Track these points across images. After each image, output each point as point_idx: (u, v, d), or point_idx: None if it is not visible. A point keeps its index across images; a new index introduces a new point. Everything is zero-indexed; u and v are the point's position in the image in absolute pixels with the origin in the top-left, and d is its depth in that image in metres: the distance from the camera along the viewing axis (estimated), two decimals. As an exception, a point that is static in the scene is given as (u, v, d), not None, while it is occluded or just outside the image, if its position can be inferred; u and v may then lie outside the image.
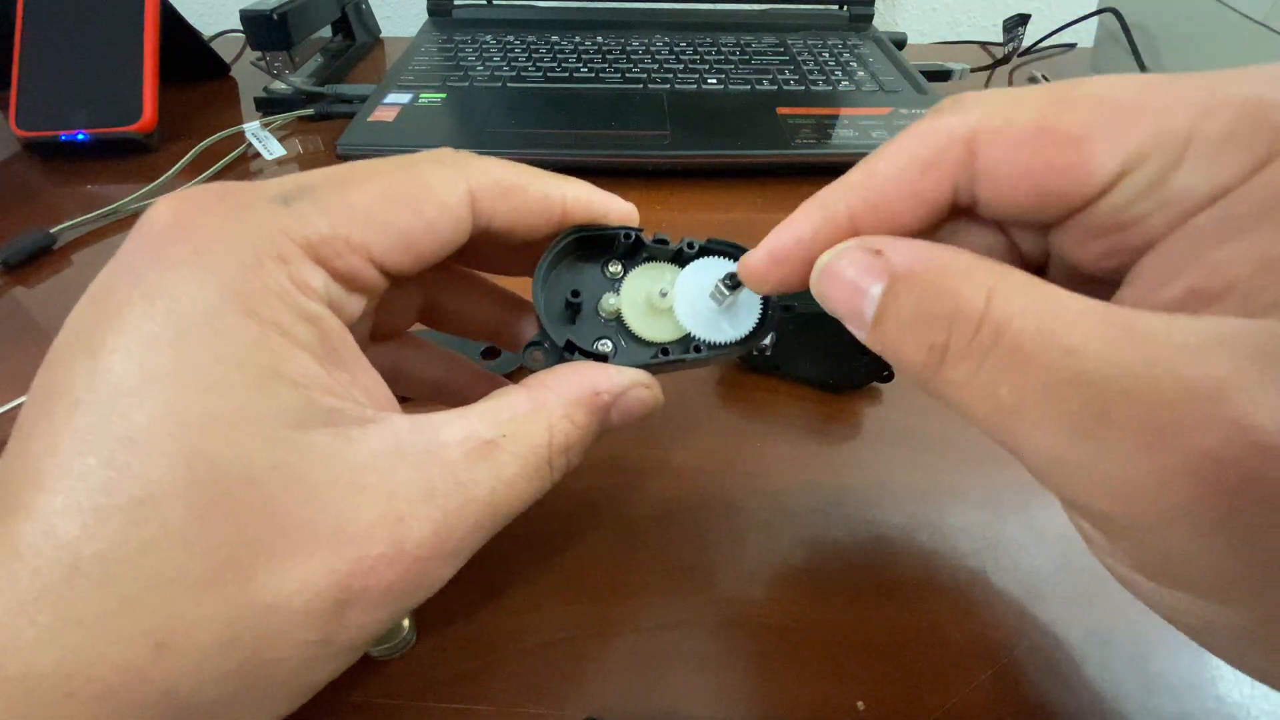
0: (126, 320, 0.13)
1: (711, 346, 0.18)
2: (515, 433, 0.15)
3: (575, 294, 0.18)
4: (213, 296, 0.13)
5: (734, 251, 0.19)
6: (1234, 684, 0.19)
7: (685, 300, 0.18)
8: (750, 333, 0.18)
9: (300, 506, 0.13)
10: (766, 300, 0.18)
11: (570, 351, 0.17)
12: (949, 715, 0.19)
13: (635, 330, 0.18)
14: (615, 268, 0.19)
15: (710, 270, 0.18)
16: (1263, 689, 0.19)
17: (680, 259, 0.19)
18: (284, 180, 0.15)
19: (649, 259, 0.19)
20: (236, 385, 0.13)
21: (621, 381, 0.17)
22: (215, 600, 0.12)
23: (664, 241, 0.19)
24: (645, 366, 0.18)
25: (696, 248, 0.19)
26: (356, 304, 0.16)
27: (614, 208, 0.18)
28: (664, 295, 0.18)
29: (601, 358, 0.18)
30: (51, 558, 0.12)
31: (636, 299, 0.18)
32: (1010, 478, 0.25)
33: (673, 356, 0.18)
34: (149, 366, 0.13)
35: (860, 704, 0.19)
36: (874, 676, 0.19)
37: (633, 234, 0.18)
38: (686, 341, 0.18)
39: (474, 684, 0.19)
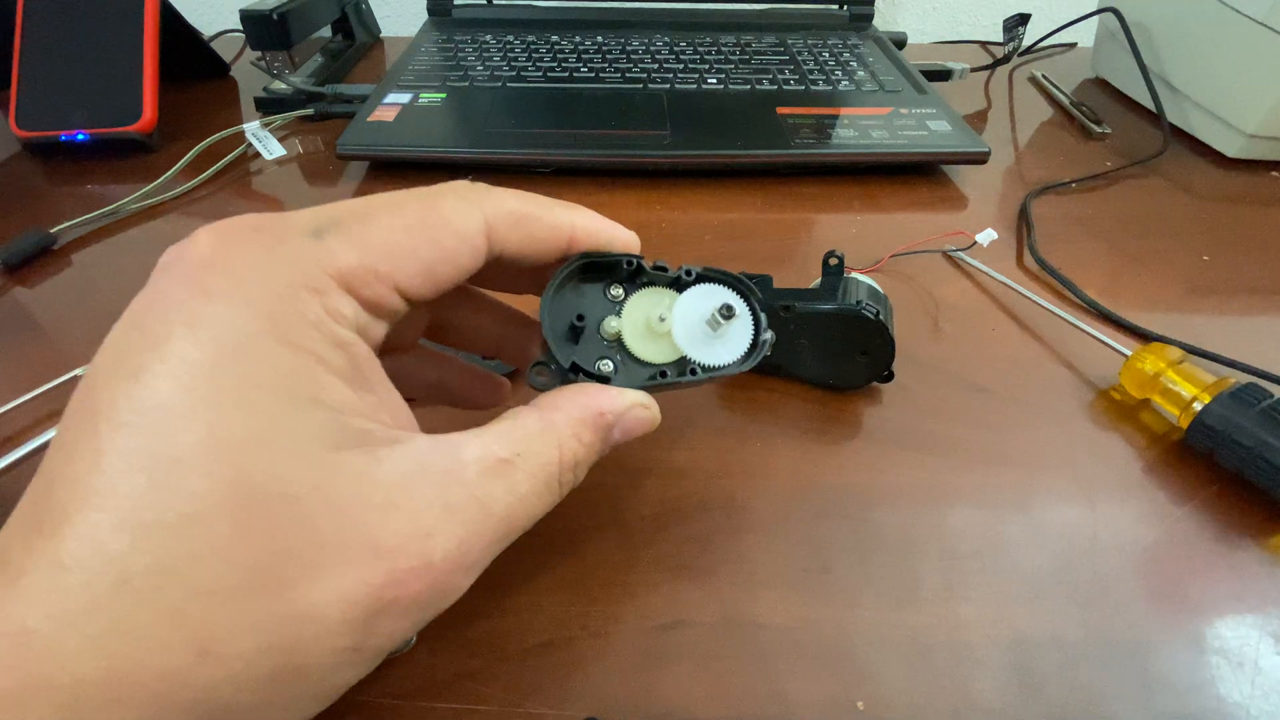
0: (170, 347, 0.14)
1: (706, 369, 0.19)
2: (528, 451, 0.16)
3: (580, 318, 0.19)
4: (252, 325, 0.14)
5: (729, 280, 0.20)
6: (1234, 684, 0.19)
7: (682, 325, 0.19)
8: (742, 356, 0.19)
9: (336, 523, 0.14)
10: (757, 327, 0.19)
11: (574, 372, 0.18)
12: (949, 715, 0.19)
13: (635, 352, 0.19)
14: (617, 290, 0.19)
15: (706, 297, 0.19)
16: (1262, 689, 0.19)
17: (678, 285, 0.20)
18: (315, 213, 0.16)
19: (649, 284, 0.20)
20: (276, 410, 0.14)
21: (624, 402, 0.18)
22: (256, 610, 0.13)
23: (663, 268, 0.20)
24: (644, 387, 0.19)
25: (694, 275, 0.20)
26: (380, 328, 0.16)
27: (618, 235, 0.19)
28: (662, 320, 0.19)
29: (603, 377, 0.19)
30: (100, 571, 0.12)
31: (636, 323, 0.19)
32: (1010, 478, 0.25)
33: (670, 379, 0.19)
34: (193, 392, 0.13)
35: (860, 704, 0.19)
36: (874, 676, 0.19)
37: (635, 261, 0.19)
38: (683, 364, 0.19)
39: (474, 684, 0.19)
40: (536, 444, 0.16)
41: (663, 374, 0.19)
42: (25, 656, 0.12)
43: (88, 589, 0.12)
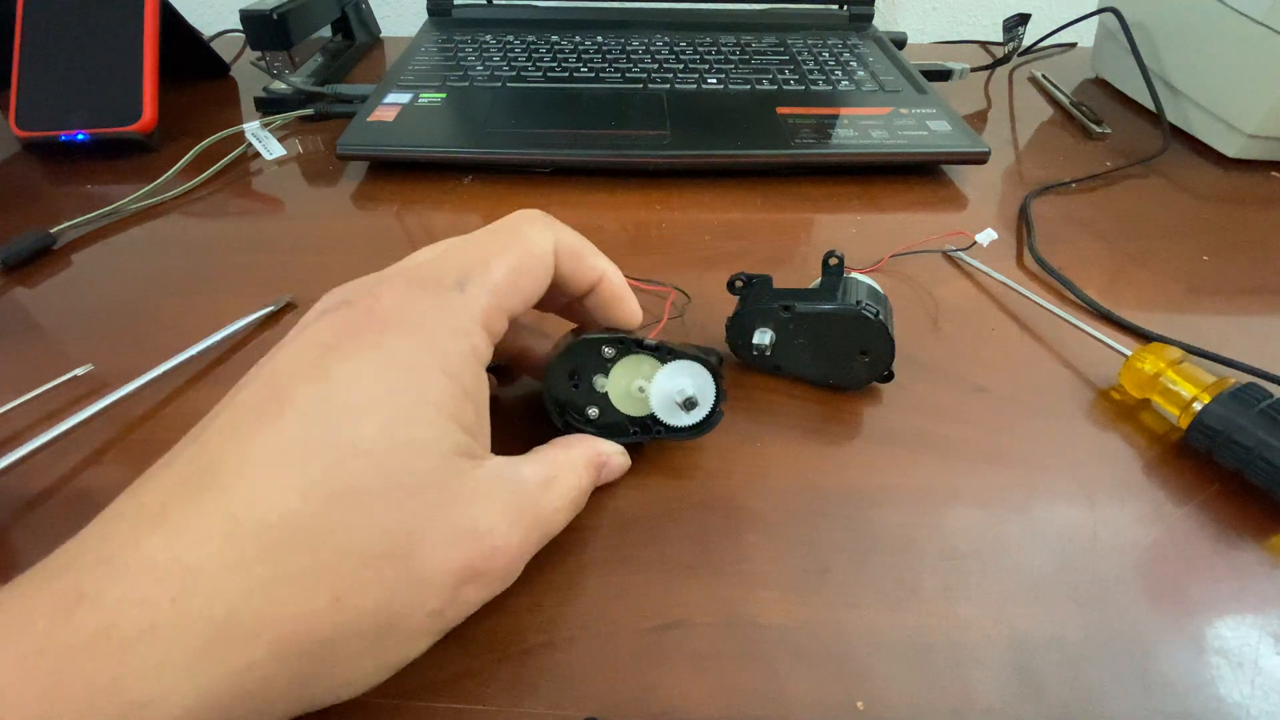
0: (356, 363, 0.17)
1: (670, 430, 0.24)
2: (560, 475, 0.21)
3: (575, 373, 0.24)
4: (424, 357, 0.18)
5: (700, 359, 0.23)
6: (1234, 684, 0.19)
7: (656, 397, 0.24)
8: (697, 424, 0.24)
9: (454, 510, 0.17)
10: (717, 401, 0.24)
11: (565, 427, 0.24)
12: (949, 715, 0.19)
13: (617, 406, 0.24)
14: (610, 350, 0.23)
15: (679, 375, 0.23)
16: (1262, 688, 0.19)
17: (658, 355, 0.23)
18: (448, 267, 0.20)
19: (635, 352, 0.23)
20: (430, 421, 0.18)
21: (612, 450, 0.23)
22: (385, 570, 0.16)
23: (650, 345, 0.23)
24: (621, 439, 0.24)
25: (673, 354, 0.23)
26: (491, 350, 0.20)
27: (628, 298, 0.24)
28: (641, 390, 0.24)
29: (589, 419, 0.24)
30: (273, 525, 0.15)
31: (619, 386, 0.24)
32: (1010, 478, 0.25)
33: (638, 438, 0.24)
34: (374, 397, 0.17)
35: (860, 704, 0.19)
36: (874, 676, 0.19)
37: (626, 339, 0.23)
38: (651, 420, 0.24)
39: (474, 684, 0.19)
40: (564, 471, 0.21)
41: (634, 431, 0.24)
42: (187, 590, 0.14)
43: (258, 538, 0.15)
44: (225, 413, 0.17)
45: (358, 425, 0.16)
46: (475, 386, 0.19)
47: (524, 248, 0.21)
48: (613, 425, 0.24)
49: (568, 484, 0.21)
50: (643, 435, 0.24)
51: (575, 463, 0.22)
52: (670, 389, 0.23)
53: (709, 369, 0.23)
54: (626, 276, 0.24)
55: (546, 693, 0.19)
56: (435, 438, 0.17)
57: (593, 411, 0.24)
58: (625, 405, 0.24)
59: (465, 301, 0.19)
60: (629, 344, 0.23)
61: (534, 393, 0.28)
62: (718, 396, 0.24)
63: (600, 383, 0.24)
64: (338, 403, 0.17)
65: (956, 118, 0.46)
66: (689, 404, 0.23)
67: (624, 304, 0.24)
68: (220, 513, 0.15)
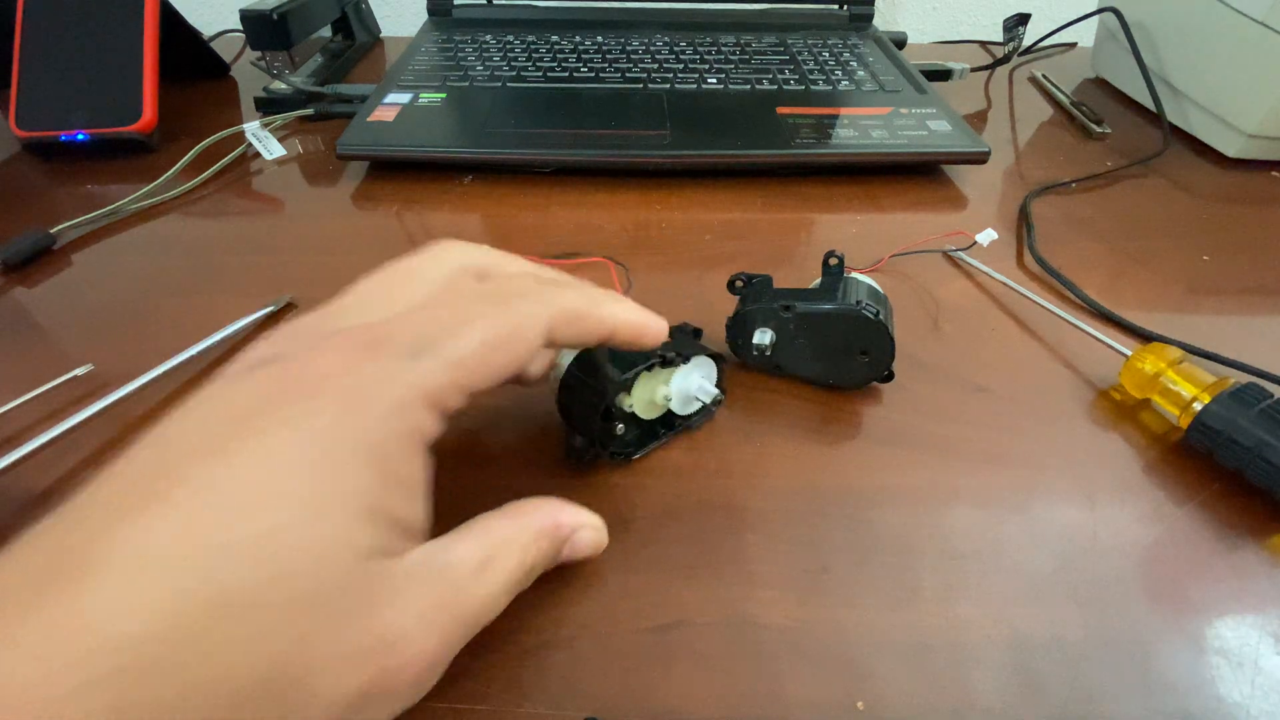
0: (266, 441, 0.15)
1: (686, 419, 0.26)
2: (499, 555, 0.18)
3: (599, 395, 0.23)
4: (347, 436, 0.15)
5: (703, 347, 0.25)
6: (1234, 684, 0.19)
7: (677, 399, 0.25)
8: (705, 409, 0.26)
9: (356, 623, 0.15)
10: (720, 385, 0.26)
11: (605, 451, 0.24)
12: (949, 715, 0.19)
13: (640, 416, 0.25)
14: (631, 374, 0.23)
15: (691, 372, 0.25)
16: (1262, 688, 0.19)
17: (675, 364, 0.25)
18: (413, 330, 0.17)
19: (650, 367, 0.24)
20: (339, 518, 0.15)
21: (578, 521, 0.20)
22: (271, 701, 0.14)
23: (660, 356, 0.24)
24: (650, 449, 0.25)
25: (683, 356, 0.25)
26: (444, 426, 0.18)
27: (649, 326, 0.22)
28: (666, 399, 0.25)
29: (618, 435, 0.24)
30: (129, 644, 0.12)
31: (643, 400, 0.24)
32: (1010, 478, 0.25)
33: (666, 438, 0.26)
34: (274, 485, 0.15)
35: (860, 704, 0.19)
36: (874, 676, 0.19)
37: (648, 363, 0.24)
38: (670, 417, 0.26)
39: (474, 684, 0.19)
40: (506, 548, 0.18)
41: (662, 433, 0.26)
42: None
43: (110, 658, 0.12)
44: (109, 484, 0.15)
45: (250, 520, 0.14)
46: (408, 470, 0.17)
47: (507, 320, 0.18)
48: (642, 434, 0.25)
49: (505, 565, 0.18)
50: (668, 434, 0.26)
51: (521, 538, 0.19)
52: (690, 388, 0.25)
53: (710, 355, 0.25)
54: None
55: (546, 693, 0.19)
56: (342, 537, 0.15)
57: (620, 428, 0.24)
58: (648, 413, 0.25)
59: (415, 374, 0.17)
60: (649, 365, 0.24)
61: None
62: (721, 380, 0.26)
63: (625, 401, 0.24)
64: (233, 489, 0.14)
65: (956, 118, 0.46)
66: (717, 401, 0.24)
67: (645, 336, 0.22)
68: (69, 621, 0.12)
